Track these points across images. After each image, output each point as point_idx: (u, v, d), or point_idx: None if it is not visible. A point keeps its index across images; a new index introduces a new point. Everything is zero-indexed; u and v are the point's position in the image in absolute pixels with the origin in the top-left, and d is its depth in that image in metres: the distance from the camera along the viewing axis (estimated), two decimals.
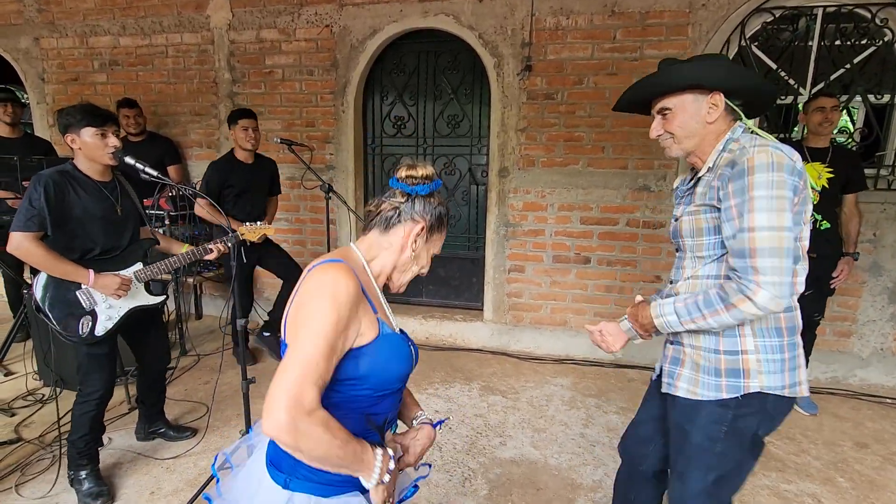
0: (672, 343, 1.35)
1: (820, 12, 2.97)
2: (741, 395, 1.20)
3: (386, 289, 1.10)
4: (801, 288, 1.19)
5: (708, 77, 1.20)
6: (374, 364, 0.95)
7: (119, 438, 2.47)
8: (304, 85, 3.78)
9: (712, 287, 1.18)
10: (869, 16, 2.90)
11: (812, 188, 2.86)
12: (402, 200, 1.04)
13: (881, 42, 2.94)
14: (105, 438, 2.25)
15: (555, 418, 2.75)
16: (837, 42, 3.00)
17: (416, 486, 1.22)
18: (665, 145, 1.31)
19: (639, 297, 1.37)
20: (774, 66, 3.10)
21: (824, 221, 2.76)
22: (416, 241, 1.04)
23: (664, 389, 1.35)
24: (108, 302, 2.04)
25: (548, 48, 3.29)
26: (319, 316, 0.88)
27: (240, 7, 3.76)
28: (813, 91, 3.08)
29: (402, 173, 1.04)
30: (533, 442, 2.52)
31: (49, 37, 4.19)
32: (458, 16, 3.38)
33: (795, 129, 3.60)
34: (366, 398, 0.98)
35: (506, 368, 3.39)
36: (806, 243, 1.20)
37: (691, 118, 1.24)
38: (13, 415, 2.65)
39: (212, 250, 2.20)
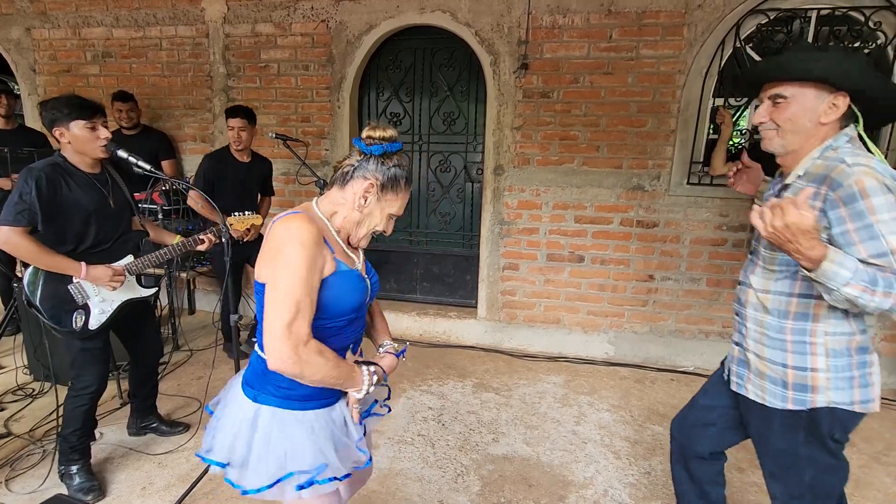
0: (737, 345, 1.36)
1: (814, 15, 2.99)
2: (808, 409, 1.21)
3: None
4: (871, 319, 1.20)
5: (841, 75, 1.08)
6: (329, 297, 1.08)
7: (111, 433, 2.46)
8: (299, 80, 3.76)
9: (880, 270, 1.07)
10: (862, 19, 2.92)
11: None
12: (359, 158, 1.13)
13: (874, 45, 2.97)
14: (97, 433, 2.24)
15: (547, 415, 2.77)
16: (831, 44, 3.03)
17: (369, 414, 1.34)
18: (766, 136, 1.21)
19: (809, 191, 1.09)
20: None
21: None
22: (364, 198, 1.13)
23: (734, 388, 1.38)
24: (101, 295, 2.02)
25: (544, 46, 3.30)
26: (294, 260, 1.01)
27: (235, 0, 3.73)
28: None
29: (364, 133, 1.15)
30: (525, 439, 2.54)
31: (41, 27, 4.14)
32: (455, 13, 3.38)
33: None
34: (327, 328, 1.12)
35: (499, 366, 3.41)
36: None
37: (805, 113, 1.13)
38: (2, 409, 2.64)
39: (202, 240, 2.18)
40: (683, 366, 3.43)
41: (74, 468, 2.04)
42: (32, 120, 4.35)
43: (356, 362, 1.17)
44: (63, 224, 1.91)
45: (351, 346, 1.21)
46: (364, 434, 1.25)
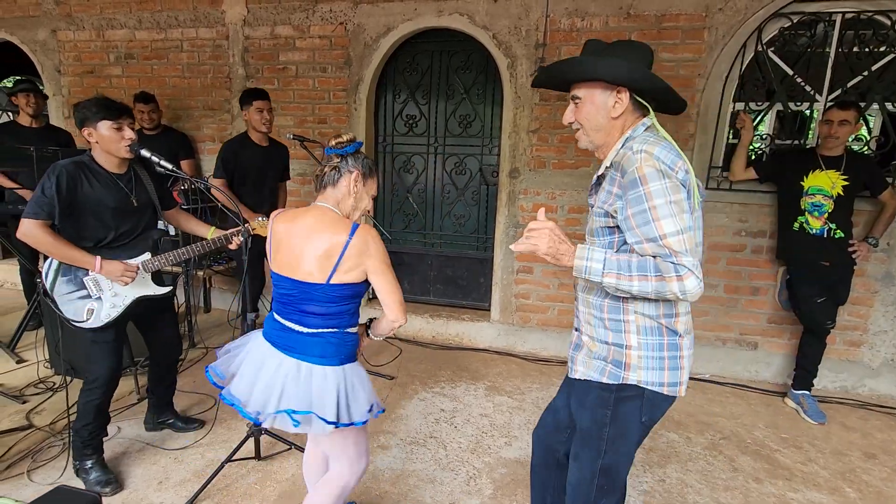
0: (576, 330, 1.41)
1: (839, 18, 2.94)
2: (619, 383, 1.26)
3: None
4: (684, 304, 1.25)
5: (610, 73, 1.19)
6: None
7: (128, 428, 2.50)
8: (317, 82, 3.79)
9: (640, 256, 1.15)
10: (888, 23, 2.87)
11: (826, 196, 2.86)
12: (338, 161, 1.49)
13: None
14: (114, 428, 2.27)
15: None
16: (855, 49, 2.97)
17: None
18: (577, 136, 1.31)
19: (541, 215, 1.23)
20: (791, 72, 3.08)
21: (838, 230, 2.74)
22: (356, 186, 1.49)
23: (569, 374, 1.42)
24: (114, 290, 2.05)
25: (562, 49, 3.28)
26: (386, 257, 1.47)
27: (255, 3, 3.78)
28: (829, 98, 3.06)
29: (332, 142, 1.49)
30: None
31: (66, 29, 4.23)
32: (473, 16, 3.38)
33: (811, 134, 3.59)
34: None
35: (512, 369, 3.39)
36: (700, 248, 1.24)
37: (598, 111, 1.24)
38: (25, 402, 2.69)
39: (233, 240, 2.21)
40: (699, 373, 3.38)
41: (89, 463, 2.08)
42: (56, 119, 4.45)
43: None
44: (82, 220, 1.96)
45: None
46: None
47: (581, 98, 1.26)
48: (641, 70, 1.20)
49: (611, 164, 1.24)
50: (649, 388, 1.25)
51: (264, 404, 1.43)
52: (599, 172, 1.29)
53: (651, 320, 1.24)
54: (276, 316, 1.53)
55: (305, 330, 1.46)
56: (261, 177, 3.19)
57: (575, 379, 1.37)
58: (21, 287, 3.90)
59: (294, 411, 1.40)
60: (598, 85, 1.22)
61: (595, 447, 1.32)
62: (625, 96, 1.21)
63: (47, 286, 1.99)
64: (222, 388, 1.52)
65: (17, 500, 0.62)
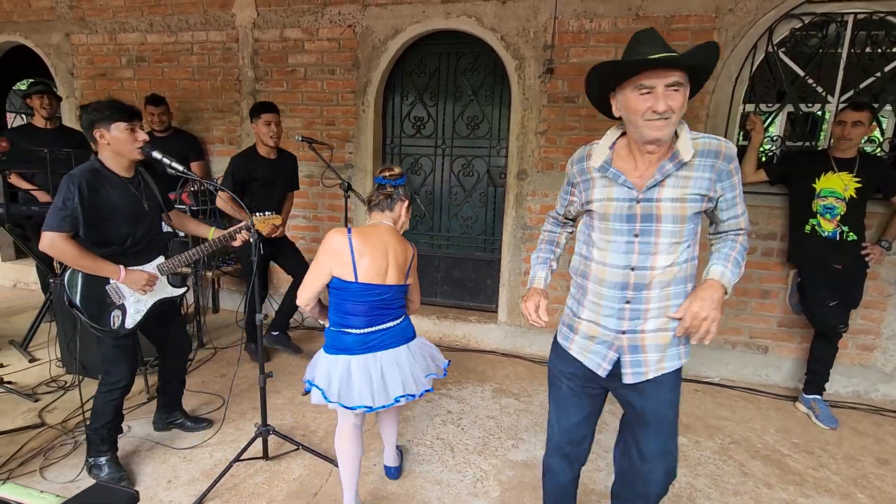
0: (626, 333, 1.38)
1: (851, 19, 2.91)
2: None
3: None
4: None
5: (712, 62, 1.28)
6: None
7: (138, 427, 2.52)
8: (325, 84, 3.82)
9: (731, 246, 1.39)
10: None
11: (838, 198, 2.83)
12: (391, 190, 1.85)
13: None
14: (124, 426, 2.29)
15: None
16: (868, 50, 2.94)
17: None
18: (658, 126, 1.24)
19: (693, 307, 1.34)
20: (802, 73, 3.05)
21: (851, 233, 2.71)
22: (407, 211, 1.90)
23: (632, 380, 1.39)
24: (136, 296, 2.08)
25: (570, 51, 3.28)
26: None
27: (265, 6, 3.81)
28: (841, 99, 3.03)
29: (387, 174, 1.85)
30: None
31: (79, 33, 4.29)
32: (481, 17, 3.39)
33: (822, 136, 3.55)
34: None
35: (519, 371, 3.38)
36: None
37: (684, 98, 1.26)
38: (37, 400, 2.73)
39: (237, 237, 2.22)
40: (708, 376, 3.36)
41: (103, 459, 2.10)
42: (69, 121, 4.51)
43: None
44: (102, 227, 1.97)
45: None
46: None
47: (683, 84, 1.23)
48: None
49: (695, 152, 1.29)
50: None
51: (408, 386, 1.77)
52: (685, 160, 1.28)
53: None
54: (369, 328, 1.77)
55: (399, 321, 1.85)
56: (268, 188, 3.20)
57: (648, 379, 1.40)
58: (39, 287, 3.95)
59: (426, 376, 1.86)
60: (684, 73, 1.24)
61: (672, 421, 1.42)
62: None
63: (71, 297, 2.00)
64: (350, 407, 1.73)
65: (58, 496, 0.63)
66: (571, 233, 1.70)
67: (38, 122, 3.60)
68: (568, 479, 1.64)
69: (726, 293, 1.33)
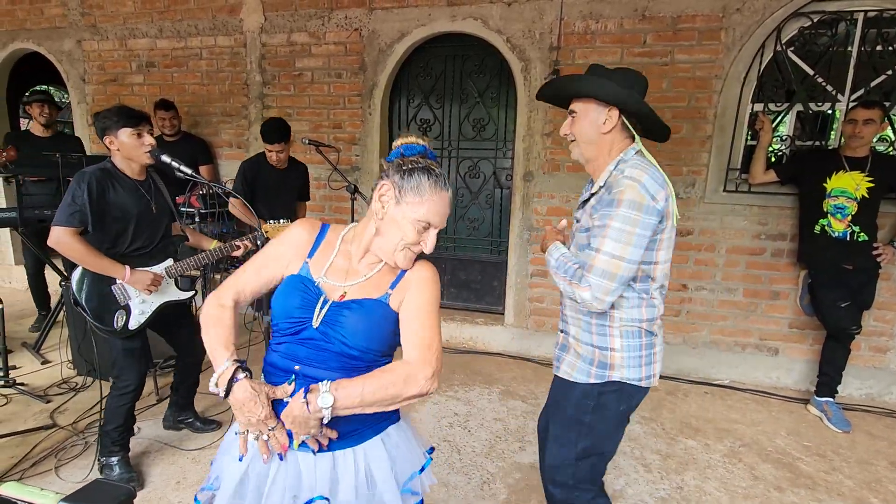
0: (562, 332, 1.52)
1: (861, 17, 2.88)
2: (605, 381, 1.39)
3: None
4: (660, 308, 1.38)
5: (600, 92, 1.32)
6: (276, 292, 1.11)
7: (147, 428, 2.54)
8: (332, 87, 3.84)
9: (577, 264, 1.35)
10: None
11: (849, 198, 2.79)
12: (384, 170, 1.08)
13: None
14: (134, 428, 2.32)
15: None
16: (879, 47, 2.90)
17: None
18: (570, 148, 1.44)
19: (563, 223, 1.55)
20: (812, 72, 3.02)
21: (862, 233, 2.68)
22: (380, 200, 1.04)
23: (554, 371, 1.53)
24: (141, 297, 2.10)
25: (576, 52, 3.27)
26: (266, 248, 1.18)
27: (272, 11, 3.85)
28: (852, 98, 2.99)
29: (398, 142, 1.11)
30: None
31: (91, 39, 4.36)
32: (487, 20, 3.39)
33: (832, 135, 3.51)
34: (274, 329, 1.09)
35: (526, 373, 3.37)
36: (668, 267, 1.38)
37: (590, 125, 1.35)
38: (49, 401, 2.76)
39: (238, 247, 2.25)
40: (718, 378, 3.32)
41: (114, 460, 2.12)
42: (81, 127, 4.58)
43: (245, 369, 1.01)
44: (109, 226, 2.00)
45: (294, 378, 1.03)
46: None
47: (577, 112, 1.38)
48: (632, 93, 1.31)
49: (604, 184, 1.34)
50: (629, 383, 1.39)
51: None
52: (593, 191, 1.38)
53: (634, 325, 1.37)
54: None
55: None
56: (274, 195, 3.22)
57: (559, 376, 1.49)
58: (48, 289, 4.00)
59: None
60: (592, 102, 1.34)
61: (575, 431, 1.45)
62: (615, 114, 1.33)
63: (76, 295, 2.03)
64: None
65: (57, 493, 0.64)
66: None
67: (36, 129, 3.66)
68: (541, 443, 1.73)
69: (546, 249, 1.46)
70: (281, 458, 1.02)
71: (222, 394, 0.99)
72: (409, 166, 1.03)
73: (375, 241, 1.07)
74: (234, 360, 1.02)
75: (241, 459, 1.04)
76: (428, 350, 1.01)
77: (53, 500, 0.61)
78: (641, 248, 1.27)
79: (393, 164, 1.05)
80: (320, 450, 1.02)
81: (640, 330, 1.38)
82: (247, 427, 1.00)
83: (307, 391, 0.96)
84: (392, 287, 1.08)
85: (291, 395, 0.99)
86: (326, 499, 1.01)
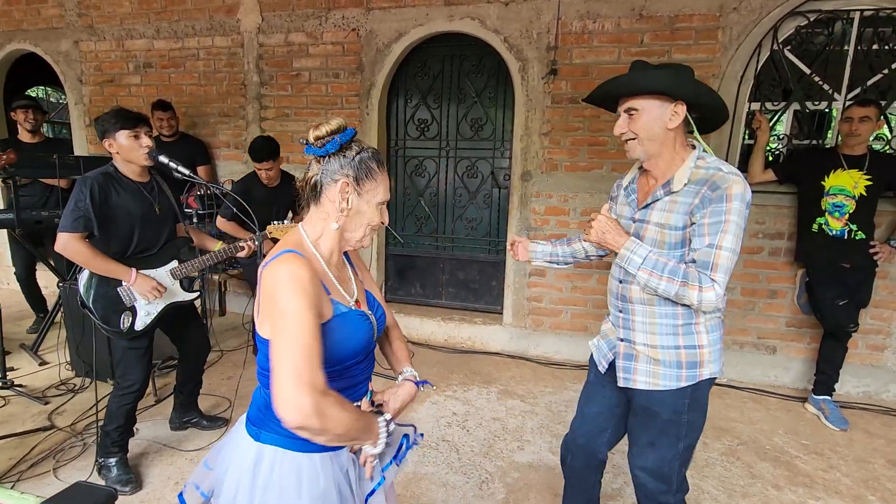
0: (623, 340, 1.47)
1: (857, 16, 2.89)
2: (696, 382, 1.38)
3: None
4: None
5: (677, 87, 1.29)
6: (331, 342, 0.97)
7: (146, 429, 2.54)
8: (329, 87, 3.84)
9: (682, 263, 1.32)
10: None
11: (848, 196, 2.81)
12: (319, 165, 1.02)
13: None
14: (134, 429, 2.32)
15: None
16: (875, 46, 2.91)
17: (408, 446, 1.15)
18: (628, 146, 1.39)
19: (606, 208, 1.48)
20: (808, 71, 3.03)
21: (859, 231, 2.68)
22: (346, 200, 1.01)
23: (622, 384, 1.47)
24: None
25: (573, 52, 3.28)
26: (295, 304, 0.89)
27: (269, 11, 3.84)
28: (848, 97, 3.00)
29: (311, 136, 1.02)
30: (551, 448, 2.50)
31: (88, 40, 4.35)
32: (484, 20, 3.39)
33: (829, 134, 3.52)
34: (329, 373, 0.96)
35: (524, 373, 3.37)
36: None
37: (655, 122, 1.32)
38: (47, 403, 2.76)
39: (242, 247, 2.26)
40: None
41: (113, 461, 2.12)
42: (78, 128, 4.57)
43: (372, 412, 1.05)
44: (113, 229, 2.02)
45: (361, 387, 1.10)
46: (378, 486, 1.07)
47: (638, 110, 1.33)
48: (705, 88, 1.31)
49: (687, 181, 1.31)
50: (713, 376, 1.41)
51: None
52: (674, 189, 1.33)
53: (716, 317, 1.39)
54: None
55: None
56: (267, 210, 3.15)
57: (638, 389, 1.43)
58: (47, 291, 4.00)
59: None
60: (655, 98, 1.31)
61: (675, 433, 1.42)
62: (682, 109, 1.30)
63: (83, 297, 2.04)
64: None
65: (38, 496, 0.64)
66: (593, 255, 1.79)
67: (23, 136, 3.64)
68: (580, 464, 1.68)
69: (618, 253, 1.39)
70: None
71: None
72: (355, 156, 1.02)
73: (345, 237, 1.07)
74: (381, 419, 1.03)
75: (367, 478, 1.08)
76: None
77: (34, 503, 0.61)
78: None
79: (338, 158, 1.01)
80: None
81: (719, 321, 1.40)
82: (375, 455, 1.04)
83: (419, 381, 1.18)
84: (354, 274, 1.16)
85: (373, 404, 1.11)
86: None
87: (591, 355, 1.63)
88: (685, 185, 1.32)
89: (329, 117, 1.03)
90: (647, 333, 1.41)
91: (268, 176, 3.15)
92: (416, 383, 1.17)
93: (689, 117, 1.34)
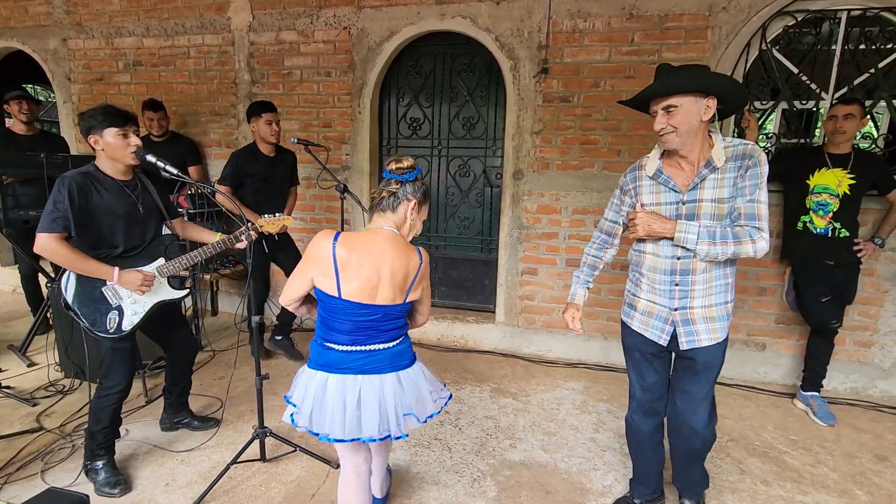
0: (678, 310, 1.71)
1: (844, 16, 2.92)
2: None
3: None
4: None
5: (711, 84, 1.54)
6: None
7: (136, 430, 2.53)
8: (321, 86, 3.83)
9: (726, 227, 1.59)
10: (895, 20, 2.84)
11: (832, 194, 2.84)
12: (398, 187, 1.52)
13: None
14: (122, 430, 2.30)
15: (565, 422, 2.74)
16: (862, 46, 2.95)
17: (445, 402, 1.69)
18: (666, 139, 1.59)
19: (641, 205, 1.75)
20: (796, 71, 3.05)
21: (843, 229, 2.71)
22: (412, 213, 1.55)
23: (686, 347, 1.71)
24: (133, 297, 2.08)
25: (564, 51, 3.29)
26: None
27: (260, 9, 3.82)
28: (835, 95, 3.03)
29: (393, 166, 1.53)
30: (543, 445, 2.51)
31: (76, 38, 4.31)
32: (475, 18, 3.39)
33: (817, 133, 3.56)
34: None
35: (517, 371, 3.38)
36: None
37: (693, 116, 1.54)
38: (35, 404, 2.73)
39: (241, 239, 2.23)
40: None
41: (100, 463, 2.10)
42: (67, 126, 4.52)
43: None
44: (95, 229, 1.98)
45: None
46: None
47: (678, 106, 1.53)
48: (728, 78, 1.61)
49: (725, 159, 1.58)
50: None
51: (383, 424, 1.50)
52: (718, 165, 1.58)
53: (733, 276, 1.72)
54: (353, 346, 1.51)
55: (392, 344, 1.57)
56: (267, 184, 3.21)
57: (703, 346, 1.70)
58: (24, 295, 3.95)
59: (416, 417, 1.57)
60: (691, 95, 1.52)
61: (714, 377, 1.75)
62: (713, 103, 1.53)
63: (67, 299, 2.01)
64: (317, 434, 1.50)
65: (7, 501, 0.64)
66: (615, 255, 2.01)
67: (18, 128, 3.57)
68: (650, 429, 1.93)
69: (673, 237, 1.63)
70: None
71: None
72: (421, 188, 1.56)
73: (408, 235, 1.59)
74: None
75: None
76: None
77: None
78: None
79: (414, 185, 1.54)
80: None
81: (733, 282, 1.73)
82: None
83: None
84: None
85: None
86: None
87: (628, 339, 1.87)
88: (725, 161, 1.57)
89: (402, 157, 1.55)
90: (705, 296, 1.67)
91: (272, 131, 3.12)
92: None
93: (716, 111, 1.56)
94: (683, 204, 1.64)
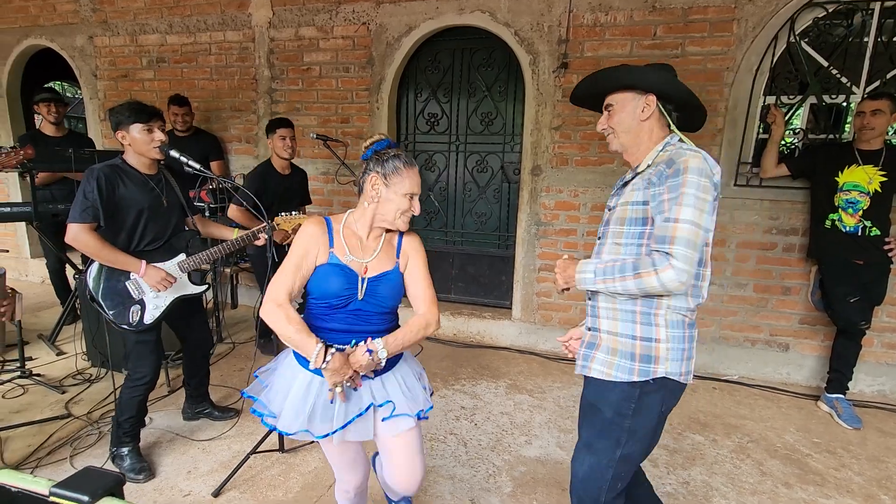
0: (590, 330, 1.46)
1: (877, 7, 2.81)
2: (651, 379, 1.32)
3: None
4: (706, 293, 1.34)
5: (641, 80, 1.36)
6: (315, 280, 1.40)
7: (159, 419, 2.59)
8: (340, 82, 3.84)
9: (627, 258, 1.31)
10: None
11: (862, 192, 2.75)
12: (363, 165, 1.45)
13: None
14: (146, 419, 2.36)
15: None
16: (895, 38, 2.84)
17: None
18: (608, 140, 1.46)
19: (565, 256, 1.51)
20: (826, 64, 2.96)
21: (874, 228, 2.63)
22: (374, 189, 1.41)
23: (578, 371, 1.46)
24: (155, 292, 2.14)
25: (585, 45, 3.24)
26: (293, 247, 1.41)
27: (280, 5, 3.85)
28: (867, 90, 2.93)
29: (363, 146, 1.46)
30: (559, 442, 2.51)
31: (102, 35, 4.40)
32: (494, 12, 3.37)
33: (847, 128, 3.46)
34: (318, 307, 1.42)
35: (533, 368, 3.37)
36: (710, 249, 1.33)
37: (629, 115, 1.38)
38: (64, 392, 2.82)
39: (259, 236, 2.27)
40: (726, 374, 3.30)
41: (125, 450, 2.17)
42: (93, 122, 4.64)
43: (328, 346, 1.34)
44: (120, 220, 2.04)
45: (347, 333, 1.41)
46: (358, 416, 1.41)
47: (613, 105, 1.41)
48: (668, 77, 1.37)
49: (652, 162, 1.35)
50: (672, 377, 1.32)
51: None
52: (639, 170, 1.37)
53: (680, 314, 1.32)
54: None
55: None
56: (282, 202, 3.18)
57: (591, 377, 1.41)
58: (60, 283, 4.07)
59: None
60: (629, 92, 1.38)
61: (615, 436, 1.36)
62: (652, 100, 1.36)
63: (92, 292, 2.07)
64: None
65: (49, 479, 0.66)
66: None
67: (47, 129, 3.70)
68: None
69: (567, 281, 1.43)
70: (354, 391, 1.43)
71: (322, 365, 1.31)
72: (385, 157, 1.40)
73: (377, 217, 1.43)
74: (319, 341, 1.33)
75: (332, 403, 1.39)
76: (433, 303, 1.48)
77: (46, 486, 0.63)
78: (712, 218, 1.25)
79: (371, 159, 1.42)
80: (376, 375, 1.46)
81: (684, 320, 1.32)
82: (335, 383, 1.35)
83: (368, 348, 1.36)
84: (397, 256, 1.48)
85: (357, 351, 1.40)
86: (391, 401, 1.44)
87: None
88: (649, 165, 1.35)
89: (364, 128, 1.35)
90: (610, 320, 1.38)
91: (285, 146, 3.13)
92: (367, 351, 1.37)
93: (666, 113, 1.38)
94: (609, 210, 1.45)
